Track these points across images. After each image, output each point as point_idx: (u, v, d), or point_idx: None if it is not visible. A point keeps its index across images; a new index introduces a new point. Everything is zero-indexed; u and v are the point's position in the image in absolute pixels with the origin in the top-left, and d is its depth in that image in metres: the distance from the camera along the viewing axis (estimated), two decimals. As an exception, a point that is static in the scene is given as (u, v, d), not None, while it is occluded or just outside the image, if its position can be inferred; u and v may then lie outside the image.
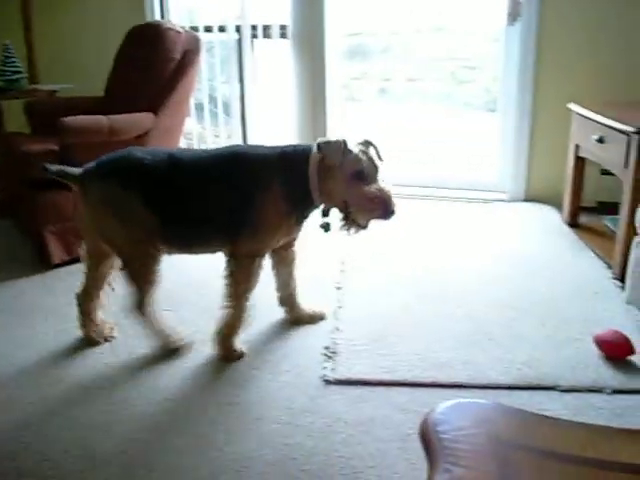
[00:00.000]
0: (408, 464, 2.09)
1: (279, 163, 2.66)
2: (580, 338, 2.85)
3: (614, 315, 3.06)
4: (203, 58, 4.74)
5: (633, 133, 3.25)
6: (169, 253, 2.79)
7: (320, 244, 3.88)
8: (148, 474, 2.09)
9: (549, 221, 4.35)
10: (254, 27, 4.79)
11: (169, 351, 2.80)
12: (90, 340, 2.90)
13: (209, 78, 4.99)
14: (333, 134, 4.73)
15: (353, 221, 2.62)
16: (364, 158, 2.58)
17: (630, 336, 2.77)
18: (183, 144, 5.00)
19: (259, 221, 2.65)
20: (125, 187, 2.62)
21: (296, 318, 3.03)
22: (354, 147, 2.60)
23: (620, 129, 3.36)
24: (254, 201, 2.63)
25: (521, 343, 2.83)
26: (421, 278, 3.42)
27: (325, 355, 2.73)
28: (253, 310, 2.78)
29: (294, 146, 2.72)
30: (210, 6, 4.82)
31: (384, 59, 7.36)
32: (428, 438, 1.15)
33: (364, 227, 2.64)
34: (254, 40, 4.88)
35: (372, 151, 2.65)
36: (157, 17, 4.92)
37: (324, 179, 2.62)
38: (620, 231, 3.41)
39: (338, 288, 3.29)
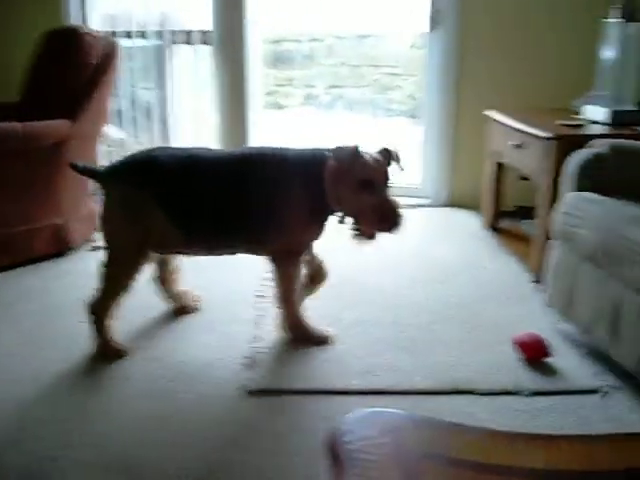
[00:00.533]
0: (325, 474, 2.07)
1: (299, 166, 2.67)
2: (499, 341, 2.88)
3: (532, 318, 3.11)
4: (123, 64, 4.67)
5: (548, 139, 3.31)
6: (190, 255, 2.88)
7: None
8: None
9: (470, 226, 4.40)
10: (175, 33, 4.73)
11: (104, 357, 2.77)
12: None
13: (131, 84, 4.91)
14: (254, 141, 4.71)
15: (360, 230, 2.61)
16: (375, 166, 2.55)
17: (548, 338, 2.82)
18: (103, 151, 4.90)
19: (284, 223, 2.69)
20: (139, 187, 2.62)
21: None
22: (368, 155, 2.57)
23: (537, 135, 3.41)
24: (276, 203, 2.66)
25: (442, 347, 2.84)
26: (343, 284, 3.41)
27: (244, 365, 2.69)
28: (172, 319, 2.74)
29: (312, 150, 2.71)
30: (130, 11, 4.74)
31: (308, 66, 7.37)
32: (334, 449, 1.13)
33: (371, 237, 2.60)
34: (175, 46, 4.82)
35: (388, 160, 2.62)
36: (75, 22, 4.82)
37: (336, 185, 2.60)
38: (537, 235, 3.47)
39: (259, 296, 3.26)
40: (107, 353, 2.78)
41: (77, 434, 2.28)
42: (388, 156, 2.63)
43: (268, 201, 2.65)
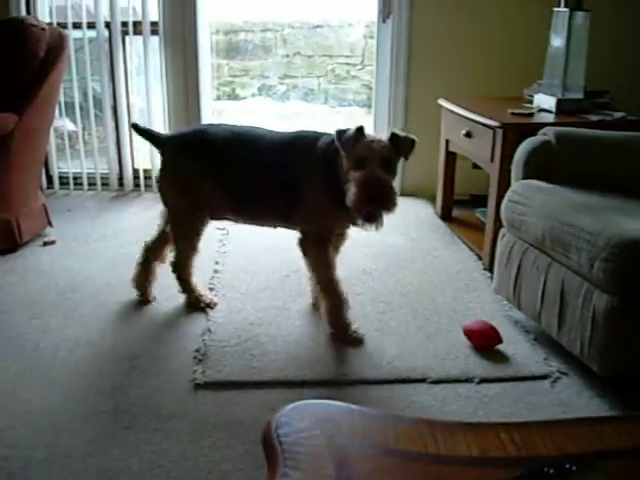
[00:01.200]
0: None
1: (321, 150, 2.68)
2: (450, 329, 2.91)
3: (483, 305, 3.13)
4: (72, 55, 4.60)
5: (498, 127, 3.33)
6: (240, 223, 3.06)
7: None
8: (3, 491, 2.00)
9: (423, 215, 4.41)
10: (125, 24, 4.67)
11: (195, 309, 3.07)
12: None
13: (81, 76, 4.84)
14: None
15: (369, 214, 2.49)
16: (372, 145, 2.48)
17: (498, 326, 2.85)
18: (53, 143, 4.84)
19: (309, 205, 2.72)
20: (192, 158, 2.84)
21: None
22: (371, 136, 2.53)
23: (486, 124, 3.43)
24: (302, 185, 2.70)
25: (392, 337, 2.85)
26: (295, 276, 3.39)
27: (196, 358, 2.67)
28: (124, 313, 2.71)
29: (329, 134, 2.69)
30: (80, 2, 4.66)
31: (263, 56, 7.34)
32: (268, 442, 1.13)
33: (367, 219, 2.50)
34: (125, 37, 4.75)
35: (396, 145, 2.54)
36: (22, 13, 4.73)
37: (342, 168, 2.59)
38: (488, 223, 3.49)
39: (211, 289, 3.24)
40: (197, 305, 3.07)
41: (23, 432, 2.24)
42: (396, 141, 2.54)
43: (294, 182, 2.71)
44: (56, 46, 3.95)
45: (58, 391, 2.48)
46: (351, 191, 2.46)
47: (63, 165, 4.95)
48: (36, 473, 2.06)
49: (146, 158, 4.80)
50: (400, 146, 2.55)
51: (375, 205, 2.45)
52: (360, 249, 3.76)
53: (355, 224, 2.67)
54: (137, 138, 4.87)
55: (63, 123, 4.96)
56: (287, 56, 7.22)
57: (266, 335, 2.83)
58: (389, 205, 2.47)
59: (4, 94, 3.75)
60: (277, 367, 2.60)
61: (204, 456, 2.13)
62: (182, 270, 3.05)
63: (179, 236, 3.00)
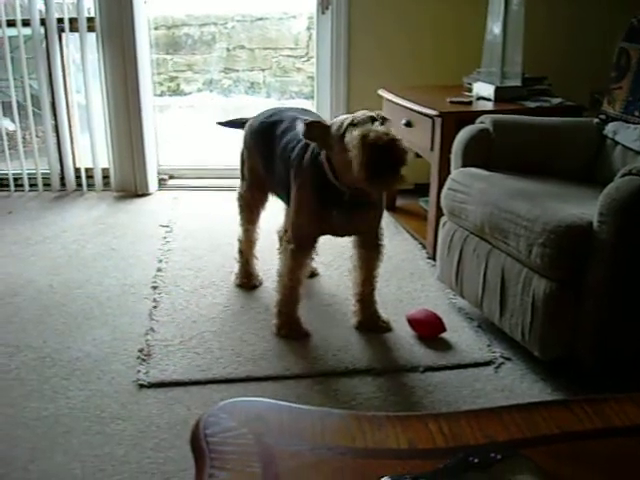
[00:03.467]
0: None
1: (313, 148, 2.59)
2: (395, 319, 2.91)
3: (428, 294, 3.15)
4: (7, 54, 4.51)
5: (436, 116, 3.34)
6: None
7: (138, 243, 3.79)
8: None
9: (368, 206, 4.41)
10: (61, 20, 4.58)
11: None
12: None
13: (18, 74, 4.74)
14: (148, 131, 4.62)
15: (378, 171, 2.28)
16: (357, 115, 2.36)
17: (442, 314, 2.87)
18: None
19: (293, 204, 2.68)
20: (250, 138, 3.00)
21: (359, 322, 2.88)
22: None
23: (425, 113, 3.45)
24: (292, 183, 2.65)
25: (338, 329, 2.86)
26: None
27: (139, 358, 2.64)
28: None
29: None
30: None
31: (208, 50, 7.28)
32: (196, 443, 1.11)
33: (379, 182, 2.33)
34: (62, 34, 4.66)
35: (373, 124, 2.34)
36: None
37: (328, 155, 2.49)
38: (430, 212, 3.51)
39: (154, 287, 3.20)
40: (246, 285, 3.21)
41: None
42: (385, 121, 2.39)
43: (289, 179, 2.68)
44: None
45: (-2, 397, 2.44)
46: (353, 153, 2.26)
47: (3, 166, 4.85)
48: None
49: (88, 156, 4.73)
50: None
51: (385, 157, 2.24)
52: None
53: (336, 232, 2.68)
54: (79, 136, 4.84)
55: (1, 123, 4.86)
56: (230, 50, 7.17)
57: (210, 332, 2.81)
58: (400, 155, 2.29)
59: None
60: (221, 364, 2.59)
61: (147, 458, 2.11)
62: (241, 243, 3.19)
63: (240, 210, 3.15)
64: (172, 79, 7.34)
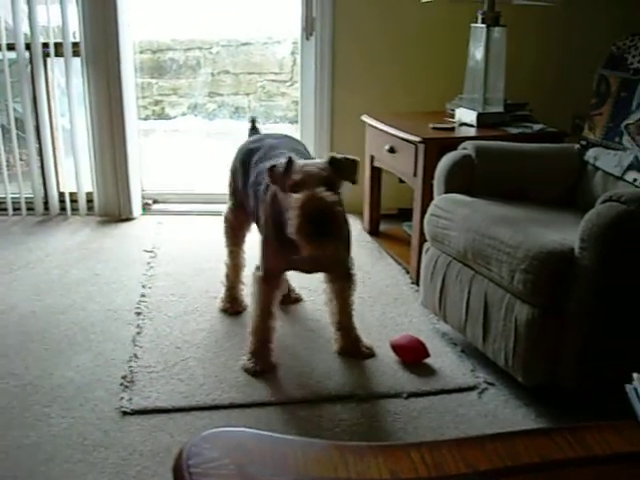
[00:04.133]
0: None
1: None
2: (379, 345, 2.92)
3: (411, 319, 3.16)
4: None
5: (419, 142, 3.37)
6: None
7: (121, 268, 3.79)
8: None
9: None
10: (46, 45, 4.59)
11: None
12: None
13: (4, 98, 4.74)
14: (132, 155, 4.62)
15: (313, 237, 2.28)
16: (309, 169, 2.33)
17: (425, 339, 2.87)
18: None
19: (259, 232, 2.74)
20: (235, 160, 3.02)
21: (341, 348, 2.87)
22: (303, 162, 2.40)
23: (408, 139, 3.47)
24: (258, 209, 2.68)
25: (321, 354, 2.86)
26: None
27: (122, 385, 2.62)
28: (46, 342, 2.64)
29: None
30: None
31: (192, 75, 7.31)
32: (178, 474, 1.11)
33: (318, 243, 2.30)
34: (47, 59, 4.67)
35: (335, 169, 2.38)
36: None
37: (280, 206, 2.47)
38: (414, 237, 3.52)
39: (138, 313, 3.19)
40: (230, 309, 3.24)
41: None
42: (336, 164, 2.40)
43: (255, 201, 2.72)
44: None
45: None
46: (291, 215, 2.28)
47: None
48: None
49: (72, 181, 4.72)
50: (340, 169, 2.41)
51: (319, 225, 2.24)
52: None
53: (302, 270, 2.71)
54: (63, 160, 4.84)
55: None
56: (214, 74, 7.20)
57: (194, 359, 2.81)
58: (335, 224, 2.29)
59: None
60: (204, 391, 2.58)
61: (129, 486, 2.10)
62: (228, 267, 3.19)
63: (225, 231, 3.17)
64: (157, 103, 7.35)
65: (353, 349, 2.85)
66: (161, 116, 7.36)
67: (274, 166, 2.42)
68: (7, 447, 2.29)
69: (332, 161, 2.40)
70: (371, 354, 2.85)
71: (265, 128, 6.58)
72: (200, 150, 6.68)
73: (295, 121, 6.87)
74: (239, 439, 1.22)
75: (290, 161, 2.37)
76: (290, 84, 7.22)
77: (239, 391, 2.58)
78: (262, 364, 2.71)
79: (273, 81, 7.28)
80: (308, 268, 2.73)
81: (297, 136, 4.90)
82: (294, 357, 2.84)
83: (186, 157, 6.31)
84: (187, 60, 7.33)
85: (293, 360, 2.82)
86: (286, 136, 3.13)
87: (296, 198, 2.28)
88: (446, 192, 2.96)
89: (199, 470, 1.10)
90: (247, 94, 7.27)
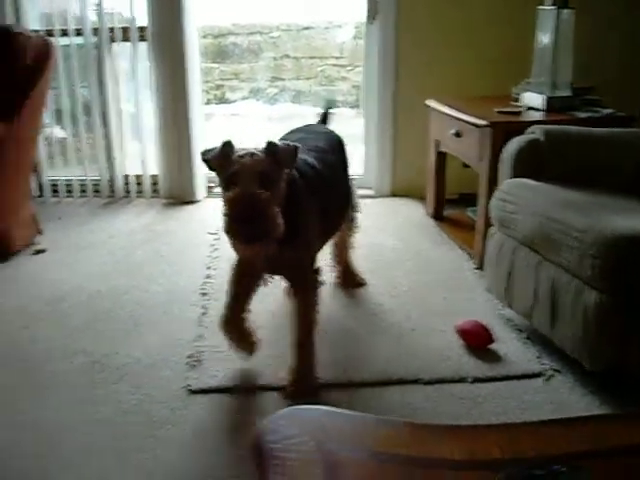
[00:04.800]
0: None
1: None
2: (443, 330, 2.90)
3: (475, 305, 3.14)
4: (61, 62, 4.59)
5: (486, 127, 3.33)
6: None
7: (186, 250, 3.83)
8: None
9: (414, 215, 4.41)
10: (112, 30, 4.66)
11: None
12: None
13: (70, 83, 4.82)
14: (196, 139, 4.66)
15: (242, 236, 2.17)
16: (243, 160, 2.18)
17: (490, 325, 2.85)
18: (43, 151, 4.82)
19: None
20: None
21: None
22: (241, 150, 2.23)
23: (474, 123, 3.44)
24: None
25: (384, 338, 2.85)
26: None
27: (188, 364, 2.66)
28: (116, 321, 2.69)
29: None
30: (67, 9, 4.64)
31: (253, 59, 7.34)
32: (258, 450, 1.13)
33: (248, 243, 2.17)
34: (113, 43, 4.74)
35: (274, 156, 2.23)
36: (9, 21, 4.72)
37: None
38: (478, 222, 3.50)
39: (203, 294, 3.23)
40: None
41: (11, 443, 2.24)
42: (274, 152, 2.24)
43: None
44: (43, 54, 3.94)
45: (49, 402, 2.48)
46: (222, 213, 2.16)
47: (53, 173, 4.94)
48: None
49: (137, 164, 4.79)
50: (279, 157, 2.24)
51: (248, 224, 2.12)
52: (352, 250, 3.77)
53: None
54: (128, 144, 4.91)
55: (52, 131, 4.95)
56: (276, 59, 7.23)
57: (260, 339, 2.82)
58: (264, 223, 2.13)
59: (-8, 103, 3.75)
60: (271, 372, 2.60)
61: (197, 463, 2.13)
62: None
63: None
64: (218, 87, 7.41)
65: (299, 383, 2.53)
66: (222, 100, 7.42)
67: (208, 150, 2.32)
68: (79, 422, 2.35)
69: (269, 147, 2.24)
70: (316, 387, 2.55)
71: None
72: (260, 134, 6.71)
73: (354, 105, 6.87)
74: (316, 417, 1.23)
75: (228, 144, 2.26)
76: (351, 68, 7.21)
77: (304, 372, 2.59)
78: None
79: (334, 65, 7.28)
80: (263, 269, 2.57)
81: (360, 122, 4.92)
82: (356, 340, 2.84)
83: (246, 141, 6.34)
84: (248, 45, 7.37)
85: (356, 343, 2.82)
86: (316, 132, 2.99)
87: (227, 196, 2.16)
88: (513, 176, 2.93)
89: (279, 446, 1.12)
90: (308, 78, 7.28)
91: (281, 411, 1.24)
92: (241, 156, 2.19)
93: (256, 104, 7.33)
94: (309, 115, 7.07)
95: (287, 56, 7.26)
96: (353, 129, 5.17)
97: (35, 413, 2.40)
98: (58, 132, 5.04)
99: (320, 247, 2.69)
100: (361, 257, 3.66)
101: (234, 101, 7.47)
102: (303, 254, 2.50)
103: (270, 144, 2.24)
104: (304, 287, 2.53)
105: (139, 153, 4.77)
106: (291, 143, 2.31)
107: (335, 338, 2.86)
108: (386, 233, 4.08)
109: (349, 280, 3.33)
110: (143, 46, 4.62)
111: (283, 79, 7.29)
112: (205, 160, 2.31)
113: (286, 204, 2.27)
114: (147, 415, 2.38)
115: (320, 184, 2.56)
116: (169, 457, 2.15)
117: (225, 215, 2.14)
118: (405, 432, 1.18)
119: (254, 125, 7.00)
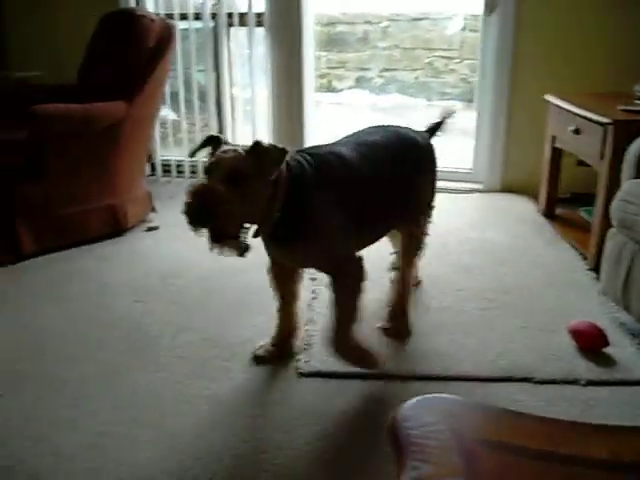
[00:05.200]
0: (381, 456, 2.07)
1: None
2: (554, 329, 2.85)
3: (589, 306, 3.06)
4: (178, 46, 4.69)
5: (609, 124, 3.25)
6: None
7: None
8: (117, 468, 2.06)
9: (525, 212, 4.35)
10: (230, 15, 4.74)
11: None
12: None
13: (185, 66, 4.93)
14: (309, 123, 4.70)
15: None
16: (219, 156, 2.14)
17: (604, 328, 2.77)
18: (158, 133, 4.95)
19: None
20: None
21: None
22: (226, 146, 2.20)
23: (596, 120, 3.35)
24: None
25: (495, 334, 2.82)
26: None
27: (298, 347, 2.69)
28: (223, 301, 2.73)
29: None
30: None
31: (362, 49, 7.34)
32: (396, 434, 1.13)
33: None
34: (230, 28, 4.83)
35: (256, 155, 2.15)
36: (131, 4, 4.86)
37: None
38: (595, 222, 3.41)
39: (313, 279, 3.25)
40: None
41: (130, 412, 2.32)
42: (258, 151, 2.15)
43: None
44: (164, 37, 4.05)
45: (162, 374, 2.55)
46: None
47: (166, 153, 5.06)
48: (144, 451, 2.12)
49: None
50: (263, 157, 2.15)
51: (197, 220, 2.08)
52: (461, 245, 3.74)
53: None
54: (239, 128, 5.00)
55: (166, 113, 5.07)
56: (386, 49, 7.21)
57: (369, 328, 2.82)
58: (212, 221, 2.09)
59: (115, 83, 3.87)
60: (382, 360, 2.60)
61: (307, 444, 2.15)
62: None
63: None
64: (323, 76, 7.44)
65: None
66: (328, 89, 7.45)
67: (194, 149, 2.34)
68: (190, 396, 2.41)
69: (254, 147, 2.17)
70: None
71: (432, 105, 6.50)
72: (366, 124, 6.71)
73: (462, 98, 6.79)
74: (451, 406, 1.23)
75: (212, 139, 2.26)
76: (459, 61, 7.13)
77: (415, 363, 2.59)
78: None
79: (442, 57, 7.21)
80: (281, 260, 2.58)
81: (467, 115, 4.85)
82: (469, 335, 2.82)
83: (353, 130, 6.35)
84: (356, 34, 7.37)
85: (468, 338, 2.79)
86: (385, 134, 2.80)
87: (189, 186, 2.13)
88: (637, 177, 2.84)
89: (417, 432, 1.12)
90: (415, 69, 7.24)
91: (416, 398, 1.24)
92: (223, 151, 2.16)
93: (362, 93, 7.33)
94: (415, 106, 7.04)
95: (396, 46, 7.24)
96: (461, 122, 5.10)
97: (148, 384, 2.49)
98: (170, 114, 5.17)
99: (357, 237, 2.53)
100: (471, 252, 3.64)
101: (340, 90, 7.49)
102: (322, 245, 2.38)
103: (255, 143, 2.18)
104: (338, 277, 2.42)
105: (250, 137, 4.84)
106: (279, 145, 2.22)
107: (447, 330, 2.85)
108: (496, 228, 4.03)
109: (392, 326, 2.89)
110: (260, 32, 4.67)
111: (390, 69, 7.27)
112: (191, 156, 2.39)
113: (289, 200, 2.26)
114: (257, 394, 2.43)
115: (346, 174, 2.43)
116: (280, 438, 2.18)
117: (183, 205, 2.09)
118: (547, 428, 1.16)
119: (359, 114, 7.01)
